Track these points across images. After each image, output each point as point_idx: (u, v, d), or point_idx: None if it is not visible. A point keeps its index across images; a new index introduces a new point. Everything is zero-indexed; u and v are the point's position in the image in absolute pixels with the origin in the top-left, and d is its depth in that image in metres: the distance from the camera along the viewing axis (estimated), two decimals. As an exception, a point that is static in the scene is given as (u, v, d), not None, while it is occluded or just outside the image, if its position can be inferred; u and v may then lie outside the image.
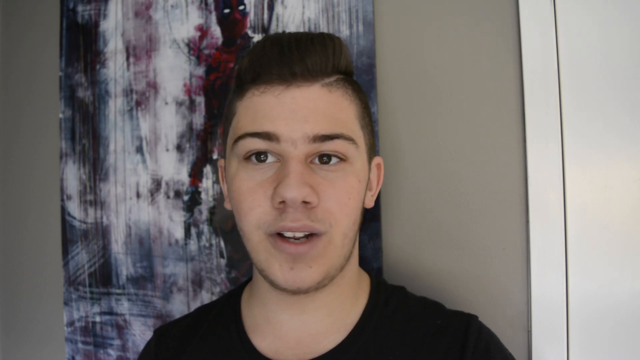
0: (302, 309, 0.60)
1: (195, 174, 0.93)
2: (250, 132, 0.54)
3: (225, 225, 0.91)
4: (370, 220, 0.81)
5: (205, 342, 0.64)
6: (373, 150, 0.62)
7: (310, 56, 0.54)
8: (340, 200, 0.53)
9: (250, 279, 0.69)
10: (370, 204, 0.63)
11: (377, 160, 0.64)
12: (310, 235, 0.53)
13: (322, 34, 0.57)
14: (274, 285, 0.55)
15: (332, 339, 0.59)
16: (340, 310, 0.61)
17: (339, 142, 0.53)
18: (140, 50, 0.97)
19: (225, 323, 0.65)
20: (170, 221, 0.94)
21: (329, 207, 0.53)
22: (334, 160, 0.54)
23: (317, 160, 0.54)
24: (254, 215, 0.54)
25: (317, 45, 0.55)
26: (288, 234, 0.53)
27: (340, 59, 0.56)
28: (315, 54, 0.54)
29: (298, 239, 0.53)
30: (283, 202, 0.52)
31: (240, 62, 0.58)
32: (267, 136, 0.53)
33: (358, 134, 0.57)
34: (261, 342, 0.61)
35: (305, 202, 0.52)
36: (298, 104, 0.53)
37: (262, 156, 0.54)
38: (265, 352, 0.60)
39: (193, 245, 0.93)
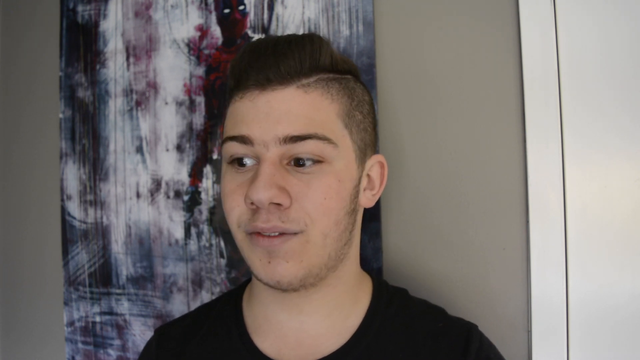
0: (299, 309, 0.60)
1: (195, 174, 0.93)
2: (230, 136, 0.56)
3: (225, 225, 0.90)
4: (370, 220, 0.80)
5: (207, 342, 0.64)
6: (369, 147, 0.61)
7: (284, 61, 0.54)
8: (315, 200, 0.53)
9: (250, 279, 0.69)
10: (370, 203, 0.62)
11: (378, 158, 0.63)
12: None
13: (303, 35, 0.57)
14: (258, 279, 0.56)
15: (334, 341, 0.59)
16: (339, 312, 0.61)
17: (312, 142, 0.53)
18: (140, 50, 0.97)
19: (226, 323, 0.65)
20: (170, 221, 0.94)
21: (304, 206, 0.53)
22: (309, 162, 0.54)
23: (293, 164, 0.54)
24: (234, 215, 0.56)
25: (294, 47, 0.55)
26: (264, 232, 0.54)
27: (319, 59, 0.56)
28: (289, 57, 0.54)
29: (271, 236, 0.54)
30: (253, 203, 0.53)
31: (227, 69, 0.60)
32: (242, 140, 0.54)
33: (339, 134, 0.56)
34: (263, 342, 0.61)
35: (276, 204, 0.52)
36: (272, 107, 0.54)
37: (244, 160, 0.56)
38: (267, 352, 0.60)
39: (193, 245, 0.93)
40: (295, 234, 0.54)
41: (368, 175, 0.61)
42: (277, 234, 0.54)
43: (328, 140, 0.54)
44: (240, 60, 0.57)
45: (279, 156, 0.53)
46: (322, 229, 0.54)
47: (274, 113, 0.53)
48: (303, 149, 0.53)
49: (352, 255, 0.61)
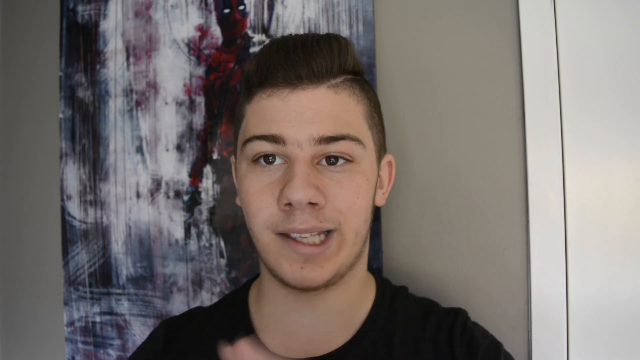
0: (312, 307, 0.60)
1: (195, 174, 0.93)
2: (257, 135, 0.54)
3: (225, 225, 0.91)
4: (370, 220, 0.81)
5: (213, 342, 0.64)
6: (383, 148, 0.63)
7: (315, 58, 0.54)
8: (349, 199, 0.54)
9: (254, 278, 0.69)
10: (381, 202, 0.64)
11: (388, 157, 0.65)
12: (325, 234, 0.54)
13: (328, 35, 0.57)
14: (284, 283, 0.55)
15: (341, 337, 0.60)
16: (350, 309, 0.61)
17: (345, 143, 0.54)
18: (140, 50, 0.97)
19: (233, 323, 0.65)
20: (170, 221, 0.94)
21: (338, 206, 0.53)
22: (340, 161, 0.54)
23: (324, 162, 0.54)
24: (262, 216, 0.54)
25: (322, 46, 0.55)
26: (295, 235, 0.54)
27: (346, 60, 0.57)
28: (320, 55, 0.54)
29: (306, 237, 0.54)
30: (289, 204, 0.52)
31: (249, 66, 0.59)
32: (273, 139, 0.53)
33: (365, 134, 0.57)
34: (271, 340, 0.61)
35: (311, 204, 0.52)
36: (304, 106, 0.53)
37: (270, 158, 0.55)
38: (275, 349, 0.60)
39: (193, 245, 0.93)
40: (331, 232, 0.54)
41: (379, 175, 0.62)
42: (317, 239, 0.53)
43: (358, 141, 0.55)
44: (268, 57, 0.56)
45: (311, 156, 0.53)
46: (354, 227, 0.55)
47: (306, 112, 0.53)
48: (335, 148, 0.54)
49: (365, 254, 0.63)
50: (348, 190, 0.54)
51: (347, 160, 0.55)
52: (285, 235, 0.54)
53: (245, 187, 0.56)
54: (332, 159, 0.54)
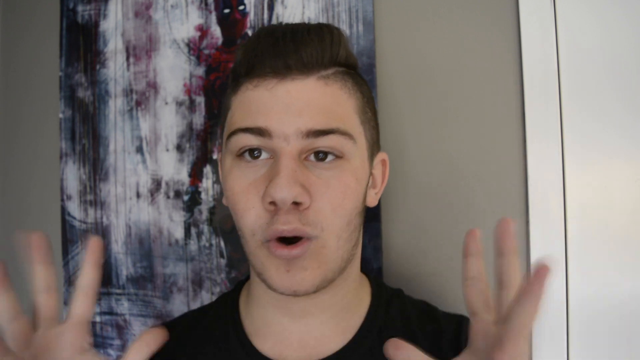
0: (303, 312, 0.58)
1: (195, 174, 0.93)
2: (242, 128, 0.52)
3: (225, 225, 0.91)
4: (370, 220, 0.80)
5: (203, 347, 0.62)
6: (376, 146, 0.60)
7: (305, 48, 0.51)
8: (334, 201, 0.51)
9: (245, 280, 0.68)
10: (374, 202, 0.61)
11: (381, 156, 0.61)
12: (301, 239, 0.51)
13: (320, 25, 0.54)
14: (271, 288, 0.53)
15: (337, 341, 0.58)
16: (345, 312, 0.59)
17: (335, 137, 0.51)
18: (140, 50, 0.97)
19: (223, 327, 0.62)
20: (170, 221, 0.94)
21: (321, 207, 0.51)
22: (329, 157, 0.52)
23: (312, 157, 0.52)
24: (249, 218, 0.52)
25: (313, 36, 0.52)
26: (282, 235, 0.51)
27: (338, 51, 0.54)
28: (311, 45, 0.52)
29: (290, 240, 0.51)
30: (274, 202, 0.49)
31: (236, 55, 0.56)
32: (259, 131, 0.50)
33: (357, 130, 0.54)
34: (263, 344, 0.59)
35: (296, 203, 0.49)
36: (292, 97, 0.51)
37: (255, 153, 0.52)
38: (267, 353, 0.58)
39: (193, 245, 0.93)
40: (310, 239, 0.51)
41: (372, 174, 0.60)
42: (294, 240, 0.51)
43: (349, 135, 0.52)
44: (255, 46, 0.53)
45: (298, 150, 0.50)
46: (336, 232, 0.52)
47: (294, 104, 0.50)
48: (324, 143, 0.51)
49: (357, 255, 0.60)
50: (335, 191, 0.51)
51: (337, 157, 0.52)
52: (270, 241, 0.51)
53: (230, 185, 0.53)
54: (320, 155, 0.51)
